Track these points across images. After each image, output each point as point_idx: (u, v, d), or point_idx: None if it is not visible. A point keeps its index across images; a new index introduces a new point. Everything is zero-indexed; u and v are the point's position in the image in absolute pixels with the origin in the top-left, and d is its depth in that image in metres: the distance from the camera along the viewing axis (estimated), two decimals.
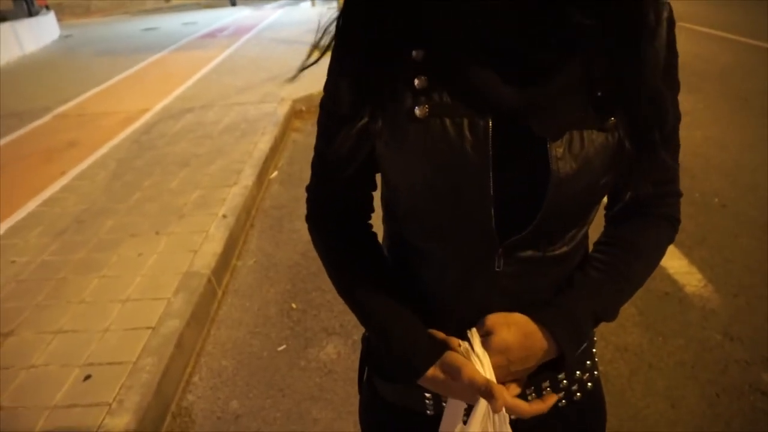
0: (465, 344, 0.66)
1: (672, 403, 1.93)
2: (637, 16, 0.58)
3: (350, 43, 0.64)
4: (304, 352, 2.31)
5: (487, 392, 0.61)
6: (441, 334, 0.69)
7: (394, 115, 0.62)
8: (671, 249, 2.75)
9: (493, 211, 0.61)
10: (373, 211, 0.78)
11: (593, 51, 0.58)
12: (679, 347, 2.18)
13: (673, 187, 0.74)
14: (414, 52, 0.61)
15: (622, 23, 0.58)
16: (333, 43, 0.66)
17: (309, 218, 0.79)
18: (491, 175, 0.60)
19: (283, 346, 2.36)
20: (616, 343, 2.21)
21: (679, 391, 1.98)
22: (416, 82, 0.61)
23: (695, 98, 5.05)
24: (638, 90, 0.60)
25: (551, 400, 0.69)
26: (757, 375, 2.01)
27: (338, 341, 2.35)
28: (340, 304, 2.57)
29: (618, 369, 2.09)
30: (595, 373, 0.80)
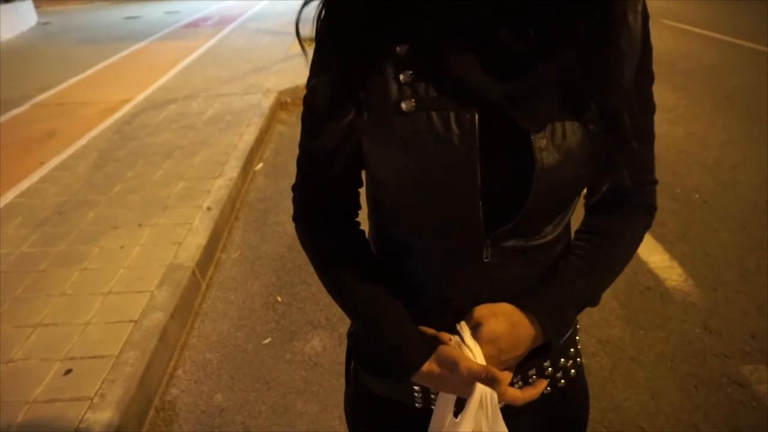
0: (455, 337, 0.67)
1: (652, 394, 1.97)
2: (609, 10, 0.60)
3: (334, 38, 0.64)
4: (289, 345, 2.31)
5: (489, 378, 0.62)
6: (430, 330, 0.70)
7: (380, 109, 0.62)
8: (653, 244, 2.81)
9: (480, 203, 0.62)
10: (360, 208, 0.78)
11: (569, 43, 0.59)
12: (660, 340, 2.22)
13: (648, 176, 0.76)
14: (398, 47, 0.61)
15: (594, 15, 0.59)
16: (316, 39, 0.66)
17: (296, 218, 0.78)
18: (478, 167, 0.61)
19: (268, 339, 2.35)
20: (599, 336, 2.25)
21: (659, 383, 2.02)
22: (401, 76, 0.61)
23: (678, 95, 5.12)
24: (609, 82, 0.61)
25: (541, 385, 0.71)
26: (735, 367, 2.06)
27: (324, 334, 2.35)
28: (325, 297, 2.56)
29: (600, 361, 2.12)
30: (578, 360, 0.82)
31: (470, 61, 0.59)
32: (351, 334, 0.85)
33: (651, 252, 2.76)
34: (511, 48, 0.59)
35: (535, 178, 0.60)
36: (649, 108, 0.70)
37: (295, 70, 6.02)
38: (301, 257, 2.88)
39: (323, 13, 0.63)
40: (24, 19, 10.33)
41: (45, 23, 10.78)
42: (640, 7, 0.63)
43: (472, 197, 0.62)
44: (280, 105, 5.27)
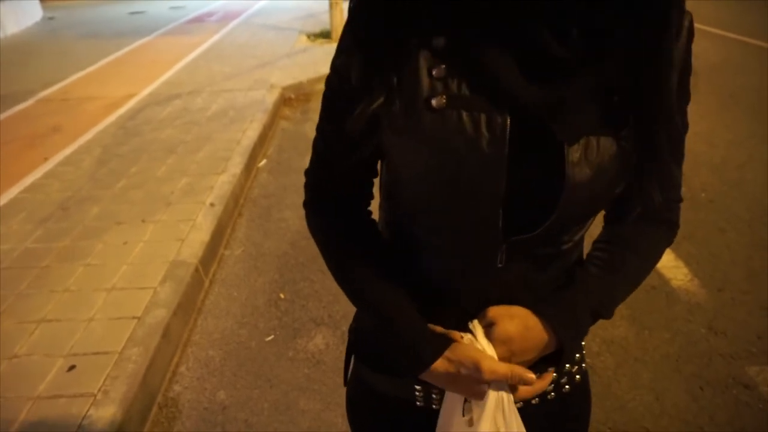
0: (468, 336, 0.66)
1: (657, 395, 1.96)
2: (660, 23, 0.57)
3: (370, 19, 0.61)
4: (292, 343, 2.30)
5: (516, 376, 0.63)
6: (439, 328, 0.69)
7: (409, 102, 0.60)
8: None
9: (501, 210, 0.61)
10: (372, 197, 0.77)
11: (616, 52, 0.57)
12: (665, 341, 2.21)
13: (675, 193, 0.75)
14: (435, 40, 0.59)
15: (644, 28, 0.56)
16: (348, 19, 0.63)
17: (307, 204, 0.77)
18: (504, 174, 0.58)
19: (271, 337, 2.35)
20: (603, 336, 2.23)
21: (664, 383, 2.00)
22: (435, 71, 0.59)
23: None
24: (653, 98, 0.59)
25: (549, 377, 0.71)
26: (741, 368, 2.04)
27: (327, 332, 2.34)
28: (328, 295, 2.56)
29: (605, 362, 2.11)
30: (583, 365, 0.81)
31: (508, 63, 0.57)
32: (352, 331, 0.84)
33: None
34: (553, 53, 0.56)
35: (564, 193, 0.58)
36: (683, 126, 0.68)
37: (299, 66, 6.01)
38: (305, 254, 2.87)
39: None
40: (29, 14, 10.34)
41: (50, 18, 10.78)
42: (687, 23, 0.61)
43: (493, 204, 0.60)
44: (283, 101, 5.26)
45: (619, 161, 0.60)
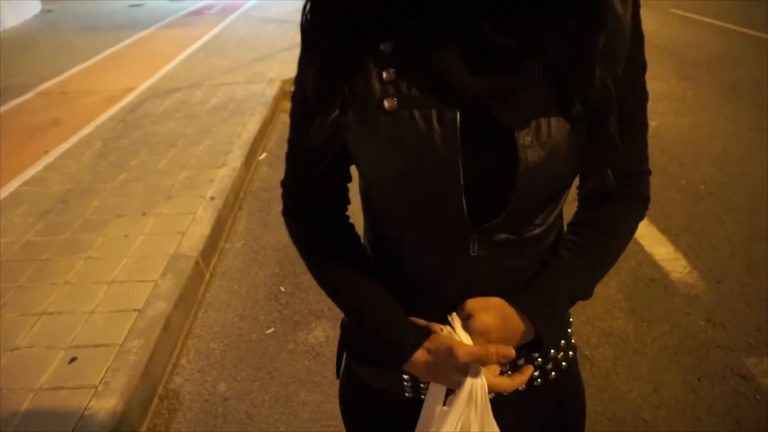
0: (447, 328, 0.68)
1: (655, 387, 1.97)
2: (597, 4, 0.58)
3: (318, 34, 0.64)
4: (292, 335, 2.31)
5: (492, 353, 0.62)
6: (422, 321, 0.70)
7: (363, 107, 0.62)
8: (658, 236, 2.79)
9: (464, 199, 0.62)
10: (348, 202, 0.79)
11: (555, 37, 0.58)
12: (663, 333, 2.22)
13: (642, 166, 0.75)
14: (382, 45, 0.61)
15: (581, 9, 0.58)
16: (301, 33, 0.66)
17: (285, 212, 0.79)
18: (461, 165, 0.60)
19: (272, 329, 2.36)
20: (602, 328, 2.24)
21: (662, 375, 2.01)
22: (384, 74, 0.61)
23: (685, 85, 5.06)
24: (594, 79, 0.60)
25: (528, 371, 0.71)
26: (739, 360, 2.05)
27: (327, 324, 2.35)
28: None
29: (603, 353, 2.12)
30: (570, 353, 0.81)
31: (453, 59, 0.59)
32: (343, 326, 0.85)
33: (656, 244, 2.75)
34: (495, 44, 0.58)
35: (518, 176, 0.60)
36: (642, 97, 0.69)
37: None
38: None
39: (308, 7, 0.63)
40: (28, 7, 10.29)
41: (48, 11, 10.73)
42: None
43: (455, 195, 0.62)
44: (283, 94, 5.24)
45: (573, 140, 0.61)
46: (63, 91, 5.46)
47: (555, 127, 0.60)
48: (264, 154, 4.08)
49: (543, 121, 0.60)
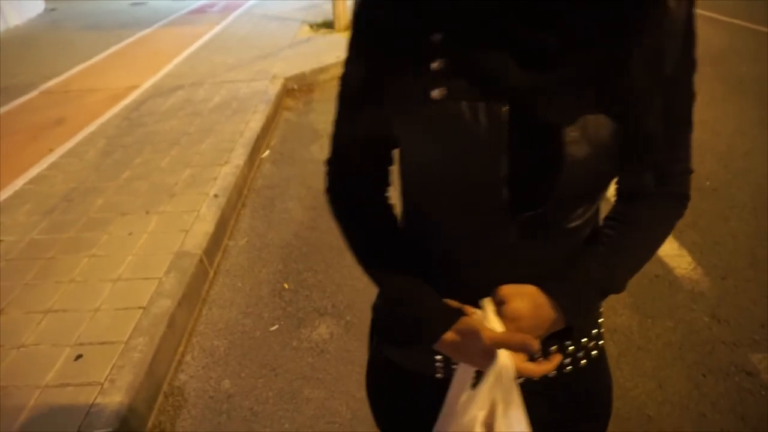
0: (479, 312, 0.68)
1: (659, 383, 1.97)
2: (637, 3, 0.58)
3: (369, 23, 0.65)
4: (296, 332, 2.32)
5: (516, 342, 0.63)
6: (455, 303, 0.71)
7: (411, 96, 0.63)
8: None
9: (506, 191, 0.63)
10: (389, 184, 0.80)
11: (603, 35, 0.59)
12: (668, 329, 2.21)
13: (682, 165, 0.75)
14: (432, 36, 0.62)
15: (620, 8, 0.58)
16: (352, 20, 0.67)
17: (328, 191, 0.81)
18: (505, 158, 0.61)
19: (276, 326, 2.36)
20: (606, 325, 2.21)
21: (667, 371, 2.01)
22: (433, 64, 0.62)
23: None
24: (630, 78, 0.60)
25: (556, 359, 0.71)
26: (743, 356, 2.05)
27: (330, 321, 2.36)
28: (332, 285, 2.57)
29: (607, 350, 2.08)
30: (600, 342, 0.83)
31: (502, 53, 0.60)
32: (375, 308, 0.87)
33: None
34: (541, 41, 0.59)
35: (563, 171, 0.61)
36: (689, 96, 0.69)
37: (302, 57, 5.99)
38: (308, 245, 2.89)
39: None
40: (31, 5, 10.30)
41: (52, 10, 10.75)
42: None
43: (496, 187, 0.63)
44: (286, 92, 5.25)
45: (619, 137, 0.62)
46: (66, 90, 5.47)
47: (601, 125, 0.61)
48: (267, 152, 4.08)
49: (590, 118, 0.60)
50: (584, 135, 0.60)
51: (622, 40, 0.59)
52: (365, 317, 2.40)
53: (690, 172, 0.76)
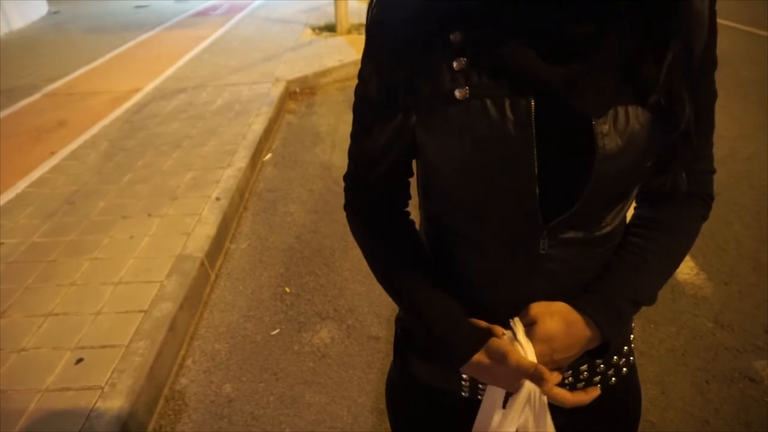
0: (508, 333, 0.66)
1: (662, 389, 1.95)
2: None
3: (386, 28, 0.63)
4: (297, 336, 2.31)
5: (537, 375, 0.61)
6: (483, 323, 0.69)
7: (433, 98, 0.61)
8: None
9: (537, 189, 0.61)
10: (410, 198, 0.78)
11: (632, 25, 0.57)
12: (671, 334, 2.20)
13: (706, 165, 0.73)
14: (452, 35, 0.60)
15: None
16: (367, 26, 0.65)
17: (347, 206, 0.79)
18: (535, 154, 0.59)
19: (277, 330, 2.36)
20: None
21: (670, 377, 2.00)
22: (455, 64, 0.60)
23: None
24: (668, 67, 0.58)
25: (594, 393, 0.69)
26: (747, 362, 2.04)
27: (332, 326, 2.35)
28: (333, 289, 2.56)
29: None
30: (631, 358, 0.80)
31: (525, 47, 0.58)
32: (399, 320, 0.85)
33: None
34: (568, 31, 0.57)
35: (596, 164, 0.59)
36: (712, 94, 0.67)
37: (304, 60, 5.99)
38: (310, 248, 2.88)
39: (374, 4, 0.63)
40: (35, 8, 10.34)
41: (55, 12, 10.79)
42: None
43: (528, 184, 0.61)
44: (289, 95, 5.25)
45: (650, 129, 0.60)
46: (69, 93, 5.48)
47: (633, 116, 0.59)
48: (269, 155, 4.08)
49: (620, 110, 0.58)
50: (615, 127, 0.58)
51: (660, 26, 0.57)
52: (367, 321, 2.41)
53: (713, 171, 0.74)
